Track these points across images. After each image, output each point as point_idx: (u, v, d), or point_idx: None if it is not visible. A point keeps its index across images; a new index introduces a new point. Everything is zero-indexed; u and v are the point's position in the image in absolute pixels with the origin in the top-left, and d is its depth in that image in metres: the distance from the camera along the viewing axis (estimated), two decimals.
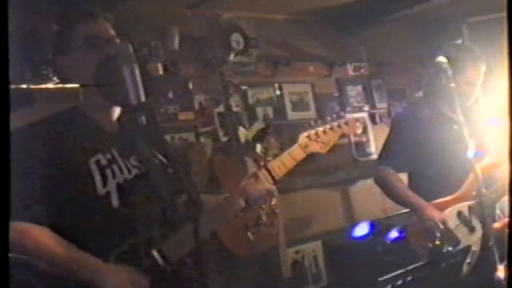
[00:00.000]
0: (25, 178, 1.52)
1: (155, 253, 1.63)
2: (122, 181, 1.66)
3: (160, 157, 1.77)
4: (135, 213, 1.65)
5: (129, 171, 1.69)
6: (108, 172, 1.65)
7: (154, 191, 1.68)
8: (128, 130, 1.72)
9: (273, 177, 1.88)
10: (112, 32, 1.73)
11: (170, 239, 1.66)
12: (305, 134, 1.98)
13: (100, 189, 1.62)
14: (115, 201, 1.63)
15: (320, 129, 2.00)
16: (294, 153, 1.95)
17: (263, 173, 1.87)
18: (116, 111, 1.77)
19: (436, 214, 2.73)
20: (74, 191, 1.60)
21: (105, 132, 1.74)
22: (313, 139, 1.96)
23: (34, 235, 1.54)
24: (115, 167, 1.67)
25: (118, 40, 1.69)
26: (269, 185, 1.87)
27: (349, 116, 2.29)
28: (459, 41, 3.46)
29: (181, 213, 1.68)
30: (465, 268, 2.66)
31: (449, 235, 2.69)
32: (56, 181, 1.58)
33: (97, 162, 1.64)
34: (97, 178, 1.62)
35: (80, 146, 1.65)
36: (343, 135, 2.11)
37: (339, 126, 2.05)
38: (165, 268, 1.63)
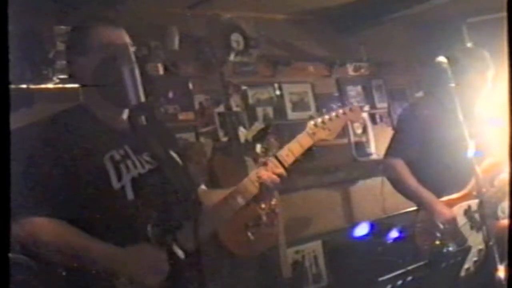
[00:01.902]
0: (37, 175, 1.55)
1: (171, 243, 1.66)
2: (136, 175, 1.69)
3: (171, 153, 1.80)
4: (150, 205, 1.67)
5: (143, 166, 1.72)
6: (122, 167, 1.68)
7: (168, 183, 1.71)
8: (139, 127, 1.74)
9: (282, 165, 1.89)
10: (127, 39, 1.74)
11: (185, 229, 1.69)
12: (312, 122, 2.00)
13: (115, 184, 1.65)
14: (130, 195, 1.66)
15: (326, 116, 2.02)
16: (302, 141, 1.96)
17: (272, 161, 1.89)
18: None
19: (446, 211, 2.74)
20: (90, 186, 1.63)
21: (114, 129, 1.76)
22: (320, 127, 1.98)
23: (53, 228, 1.58)
24: (129, 162, 1.70)
25: (132, 48, 1.70)
26: (280, 169, 1.88)
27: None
28: (469, 45, 3.45)
29: (194, 204, 1.72)
30: (472, 267, 2.67)
31: (456, 234, 2.70)
32: (69, 179, 1.61)
33: (111, 158, 1.67)
34: (112, 173, 1.65)
35: (91, 143, 1.67)
36: (349, 122, 2.11)
37: (344, 113, 2.06)
38: (182, 256, 1.66)
